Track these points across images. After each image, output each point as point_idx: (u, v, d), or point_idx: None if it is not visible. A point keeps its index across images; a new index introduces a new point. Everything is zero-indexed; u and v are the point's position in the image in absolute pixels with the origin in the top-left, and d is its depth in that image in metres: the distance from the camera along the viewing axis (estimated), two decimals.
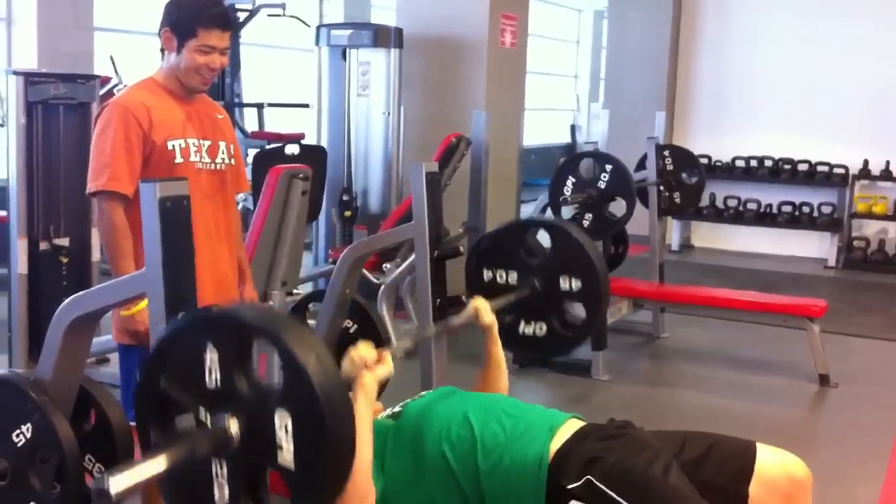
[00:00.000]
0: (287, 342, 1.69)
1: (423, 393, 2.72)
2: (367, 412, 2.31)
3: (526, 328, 3.16)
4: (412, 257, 5.11)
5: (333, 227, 6.52)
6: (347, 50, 6.47)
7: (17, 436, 2.14)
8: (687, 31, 10.03)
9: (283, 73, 10.66)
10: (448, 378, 3.02)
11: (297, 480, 1.71)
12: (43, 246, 4.39)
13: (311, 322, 3.97)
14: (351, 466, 1.78)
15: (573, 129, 16.34)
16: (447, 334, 3.14)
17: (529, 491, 2.38)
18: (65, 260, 4.42)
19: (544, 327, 3.14)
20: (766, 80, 9.57)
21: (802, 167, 9.45)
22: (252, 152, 6.50)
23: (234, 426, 1.75)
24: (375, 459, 2.44)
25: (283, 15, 8.22)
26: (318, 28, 6.82)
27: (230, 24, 2.90)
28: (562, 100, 16.97)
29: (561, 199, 5.30)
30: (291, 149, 5.32)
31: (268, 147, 6.75)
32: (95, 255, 4.56)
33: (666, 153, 6.38)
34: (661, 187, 6.30)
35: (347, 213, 6.38)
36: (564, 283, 3.08)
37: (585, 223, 5.32)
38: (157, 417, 1.86)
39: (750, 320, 6.26)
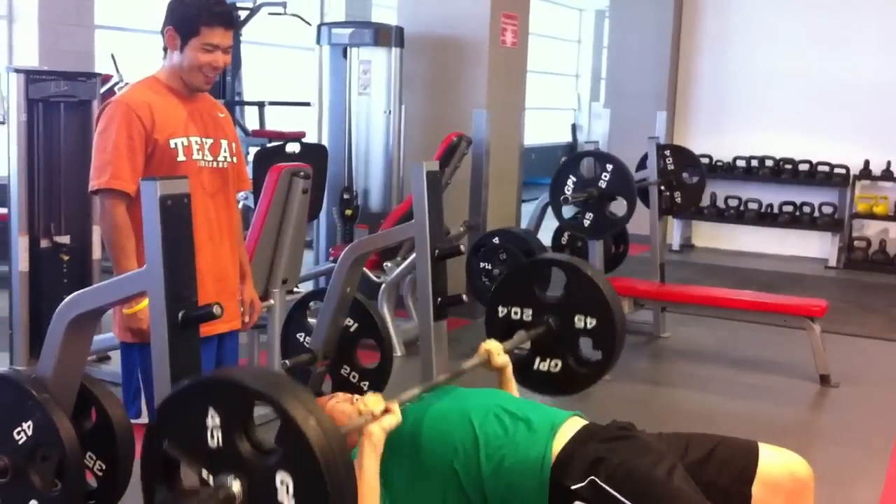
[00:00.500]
0: (287, 407, 1.71)
1: (422, 394, 2.71)
2: (372, 463, 2.31)
3: (541, 364, 3.16)
4: (413, 256, 5.12)
5: (334, 226, 6.52)
6: (348, 48, 6.46)
7: (18, 433, 2.14)
8: (688, 31, 10.03)
9: (283, 71, 10.67)
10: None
11: None
12: (44, 243, 4.39)
13: (311, 321, 3.97)
14: None
15: (574, 128, 16.36)
16: (443, 333, 3.14)
17: (533, 491, 2.38)
18: (65, 258, 4.43)
19: (559, 364, 3.14)
20: (767, 80, 9.57)
21: (803, 167, 9.45)
22: (253, 151, 6.48)
23: (236, 486, 1.77)
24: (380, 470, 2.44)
25: (285, 13, 8.22)
26: (319, 27, 6.82)
27: (233, 22, 2.90)
28: (563, 99, 16.98)
29: (562, 198, 5.29)
30: (292, 147, 5.32)
31: (269, 145, 6.74)
32: (96, 252, 4.56)
33: (667, 153, 6.37)
34: (662, 187, 6.29)
35: (348, 212, 6.38)
36: (579, 322, 3.09)
37: (586, 223, 5.32)
38: (161, 478, 1.88)
39: (751, 320, 6.25)
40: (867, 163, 9.16)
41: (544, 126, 15.32)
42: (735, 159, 9.71)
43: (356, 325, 3.78)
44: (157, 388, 2.04)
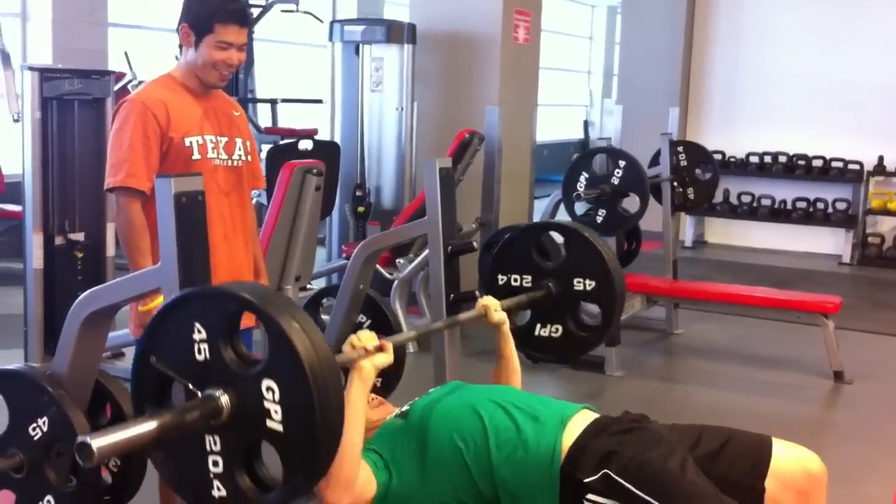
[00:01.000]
0: (271, 312, 1.72)
1: (430, 390, 2.72)
2: (360, 396, 2.32)
3: (542, 330, 3.16)
4: (425, 253, 5.12)
5: (347, 223, 6.53)
6: (361, 46, 6.47)
7: (34, 429, 2.15)
8: (701, 27, 10.00)
9: (296, 68, 10.67)
10: (461, 374, 3.02)
11: (286, 445, 1.73)
12: (58, 241, 4.40)
13: (324, 317, 3.98)
14: (340, 432, 1.78)
15: (586, 124, 16.34)
16: (456, 328, 3.14)
17: (543, 484, 2.39)
18: (80, 255, 4.44)
19: (560, 329, 3.15)
20: (780, 76, 9.53)
21: (817, 163, 9.41)
22: (266, 148, 6.50)
23: (224, 399, 1.77)
24: (386, 459, 2.45)
25: (297, 11, 8.22)
26: (332, 24, 6.83)
27: (248, 19, 2.90)
28: (575, 96, 16.95)
29: (574, 194, 5.29)
30: (305, 144, 5.34)
31: (281, 143, 6.76)
32: (110, 249, 4.58)
33: (680, 149, 6.36)
34: (675, 183, 6.28)
35: (361, 209, 6.39)
36: (579, 285, 3.09)
37: (599, 219, 5.31)
38: (151, 393, 1.88)
39: (764, 317, 6.23)
40: (881, 159, 9.12)
41: (556, 123, 15.30)
42: (748, 155, 9.68)
43: (369, 321, 3.78)
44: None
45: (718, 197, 9.31)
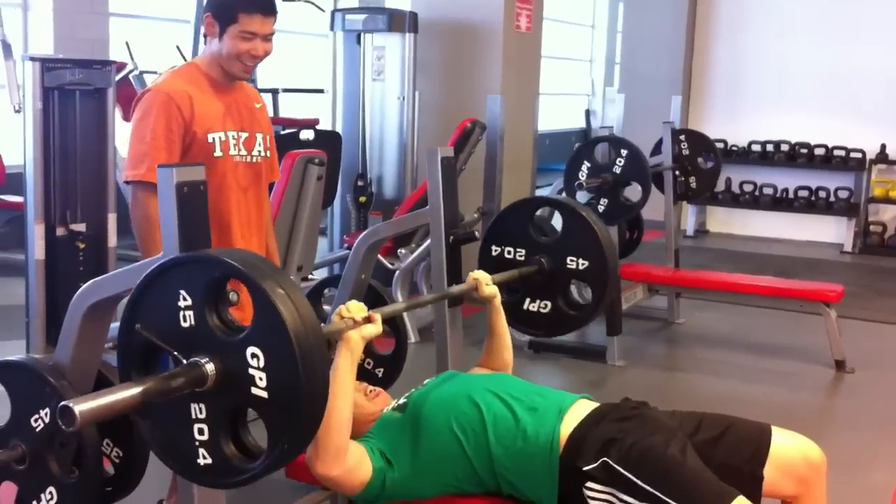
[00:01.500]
0: (256, 278, 1.72)
1: (425, 381, 2.72)
2: (347, 367, 2.32)
3: (531, 305, 3.18)
4: (427, 242, 5.12)
5: (348, 213, 6.53)
6: (362, 34, 6.46)
7: (36, 420, 2.15)
8: (703, 15, 9.97)
9: (297, 58, 10.65)
10: (463, 363, 3.02)
11: (270, 412, 1.74)
12: (60, 231, 4.40)
13: (326, 307, 3.98)
14: (325, 398, 1.77)
15: (588, 113, 16.30)
16: (458, 319, 3.15)
17: (543, 473, 2.40)
18: (82, 245, 4.43)
19: (549, 305, 3.16)
20: (782, 64, 9.51)
21: (819, 151, 9.40)
22: None
23: (209, 366, 1.77)
24: (385, 450, 2.45)
25: None
26: (333, 13, 6.81)
27: (273, 8, 2.80)
28: (577, 84, 16.91)
29: (576, 183, 5.28)
30: (306, 134, 5.33)
31: (283, 132, 6.75)
32: (112, 240, 4.57)
33: (682, 137, 6.35)
34: (677, 172, 6.27)
35: (362, 199, 6.39)
36: (571, 263, 3.10)
37: (601, 208, 5.31)
38: (137, 361, 1.88)
39: (766, 305, 6.24)
40: (883, 147, 9.11)
41: (558, 111, 15.27)
42: (750, 144, 9.67)
43: None
44: None
45: (720, 186, 9.30)
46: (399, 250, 5.69)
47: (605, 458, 2.33)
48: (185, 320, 1.80)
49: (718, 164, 6.53)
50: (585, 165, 5.30)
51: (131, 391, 1.72)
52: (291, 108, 9.16)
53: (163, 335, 1.82)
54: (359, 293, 3.62)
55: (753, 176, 9.66)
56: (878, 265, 8.58)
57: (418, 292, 5.97)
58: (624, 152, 5.27)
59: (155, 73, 6.20)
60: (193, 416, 1.82)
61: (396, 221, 4.12)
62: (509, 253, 3.18)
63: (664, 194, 6.19)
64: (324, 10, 7.95)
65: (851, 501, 3.61)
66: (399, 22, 6.42)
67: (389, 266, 5.65)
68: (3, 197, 6.85)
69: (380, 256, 5.21)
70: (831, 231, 9.50)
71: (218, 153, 2.79)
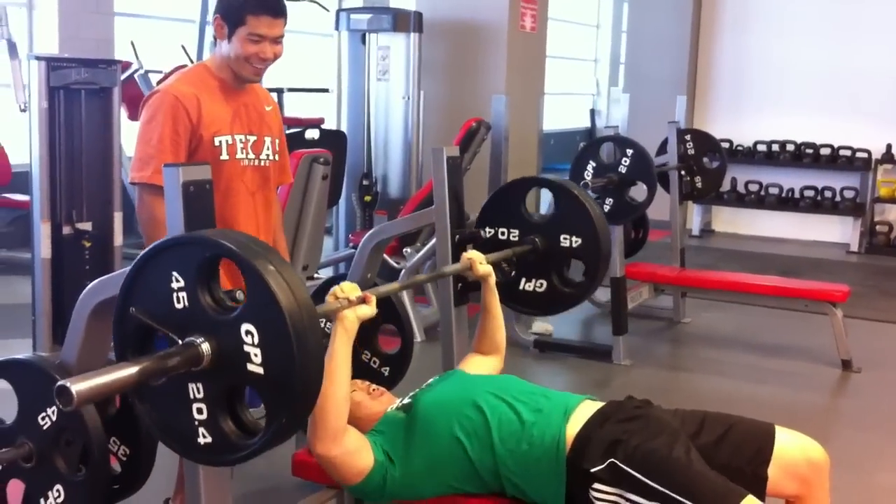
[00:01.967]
0: (247, 256, 1.73)
1: (430, 381, 2.72)
2: (343, 347, 2.32)
3: (526, 285, 3.19)
4: (432, 241, 5.12)
5: (354, 212, 6.53)
6: (367, 34, 6.46)
7: (43, 419, 2.16)
8: (708, 15, 9.96)
9: (302, 57, 10.66)
10: None
11: (267, 387, 1.74)
12: (66, 230, 4.40)
13: None
14: (320, 372, 1.78)
15: (593, 113, 16.29)
16: (464, 315, 3.15)
17: (549, 475, 2.39)
18: (88, 244, 4.43)
19: (544, 284, 3.17)
20: (787, 64, 9.50)
21: (825, 151, 9.39)
22: None
23: (205, 346, 1.78)
24: (388, 449, 2.45)
25: None
26: (338, 12, 6.82)
27: (282, 11, 2.77)
28: (582, 84, 16.90)
29: (581, 183, 5.28)
30: (311, 134, 5.33)
31: (288, 132, 6.75)
32: (118, 239, 4.58)
33: (687, 137, 6.35)
34: (682, 172, 6.27)
35: (367, 198, 6.39)
36: (565, 241, 3.12)
37: (606, 208, 5.30)
38: (133, 343, 1.89)
39: (772, 305, 6.22)
40: (889, 147, 9.09)
41: (563, 111, 15.26)
42: (756, 144, 9.66)
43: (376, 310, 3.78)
44: None
45: (726, 185, 9.29)
46: (404, 249, 5.69)
47: (612, 460, 2.33)
48: (178, 301, 1.81)
49: (724, 163, 6.53)
50: (591, 165, 5.30)
51: (128, 370, 1.72)
52: (296, 107, 9.15)
53: (157, 317, 1.83)
54: None
55: (759, 176, 9.65)
56: (885, 265, 8.57)
57: (423, 292, 5.97)
58: (629, 152, 5.27)
59: (160, 72, 6.21)
60: (192, 396, 1.83)
61: (402, 221, 4.12)
62: (503, 234, 3.20)
63: (669, 194, 6.19)
64: (328, 10, 7.96)
65: (857, 501, 3.60)
66: (404, 22, 6.42)
67: (395, 265, 5.65)
68: (8, 196, 6.86)
69: (385, 255, 5.22)
70: (837, 231, 9.49)
71: (224, 157, 2.78)
